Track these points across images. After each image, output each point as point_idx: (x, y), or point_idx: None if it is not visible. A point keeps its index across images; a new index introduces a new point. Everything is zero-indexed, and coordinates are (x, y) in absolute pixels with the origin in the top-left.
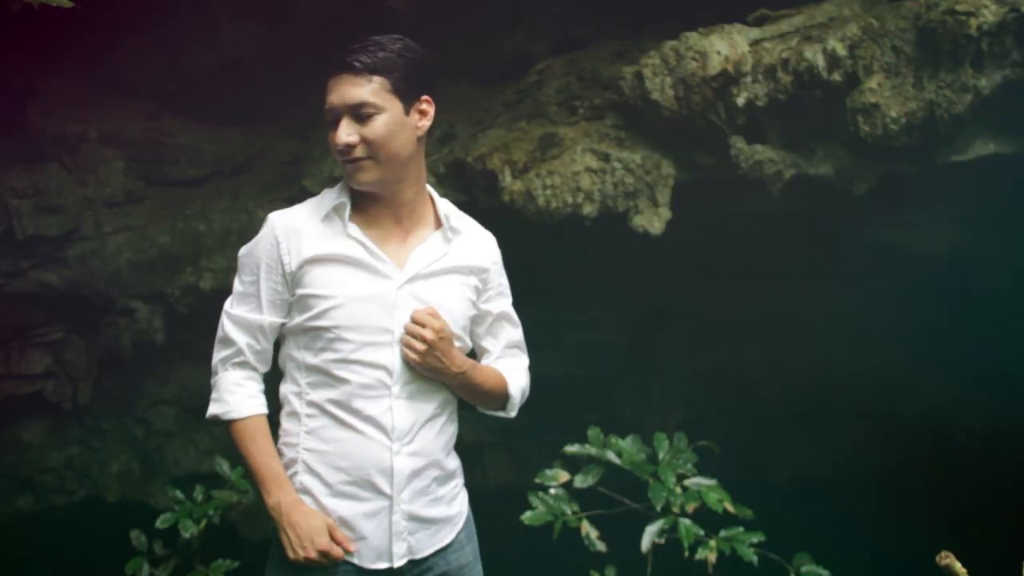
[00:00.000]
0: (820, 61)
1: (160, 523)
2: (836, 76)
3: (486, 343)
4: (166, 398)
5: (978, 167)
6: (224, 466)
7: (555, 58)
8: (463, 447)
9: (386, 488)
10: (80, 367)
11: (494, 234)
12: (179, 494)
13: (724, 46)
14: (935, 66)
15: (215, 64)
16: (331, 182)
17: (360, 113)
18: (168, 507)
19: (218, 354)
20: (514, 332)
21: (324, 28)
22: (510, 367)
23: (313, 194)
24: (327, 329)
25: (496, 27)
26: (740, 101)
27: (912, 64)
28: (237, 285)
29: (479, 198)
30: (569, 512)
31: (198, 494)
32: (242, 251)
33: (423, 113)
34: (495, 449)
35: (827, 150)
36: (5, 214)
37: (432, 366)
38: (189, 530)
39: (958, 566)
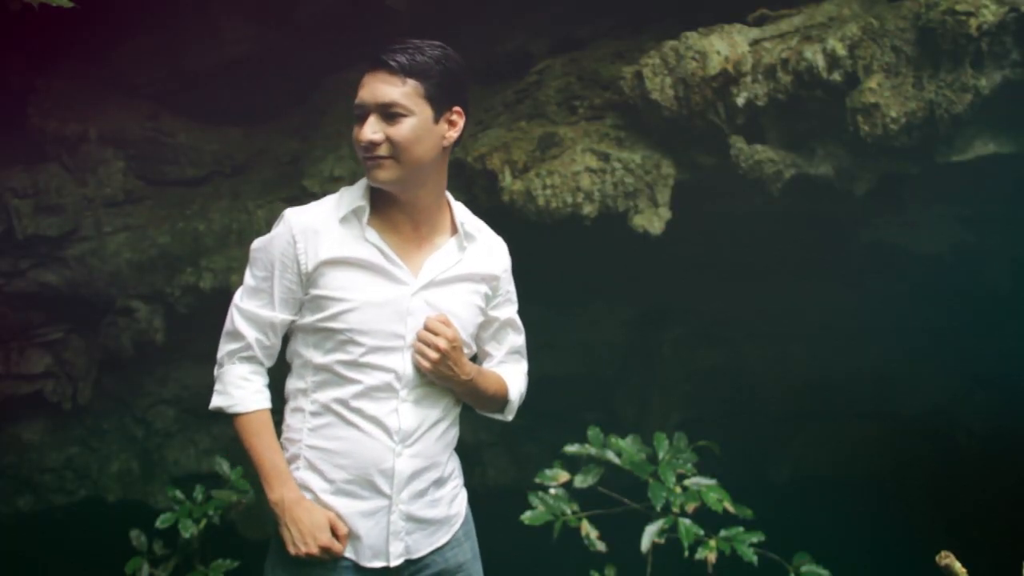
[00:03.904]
0: (820, 61)
1: (160, 523)
2: (836, 76)
3: (490, 348)
4: (166, 398)
5: (978, 167)
6: (224, 466)
7: (555, 58)
8: (463, 447)
9: (386, 488)
10: (80, 367)
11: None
12: (179, 494)
13: (724, 46)
14: (935, 66)
15: (215, 64)
16: (331, 182)
17: (389, 112)
18: (168, 507)
19: (225, 347)
20: (517, 338)
21: (324, 28)
22: (511, 372)
23: (313, 194)
24: (340, 331)
25: (496, 27)
26: (740, 101)
27: (912, 64)
28: (249, 279)
29: (479, 198)
30: (569, 512)
31: (198, 494)
32: (256, 244)
33: (452, 124)
34: (495, 449)
35: (827, 150)
36: (5, 214)
37: (443, 374)
38: (189, 530)
39: (958, 566)
